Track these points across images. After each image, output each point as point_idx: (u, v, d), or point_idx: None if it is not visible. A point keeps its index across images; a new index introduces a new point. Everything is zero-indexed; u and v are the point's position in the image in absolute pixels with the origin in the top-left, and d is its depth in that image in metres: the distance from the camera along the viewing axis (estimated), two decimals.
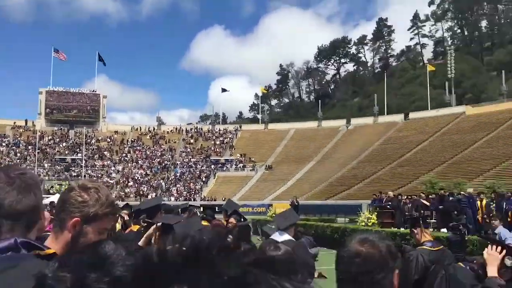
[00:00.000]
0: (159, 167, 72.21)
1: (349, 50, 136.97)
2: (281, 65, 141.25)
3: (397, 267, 1.63)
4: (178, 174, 70.39)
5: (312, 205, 42.42)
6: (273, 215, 29.37)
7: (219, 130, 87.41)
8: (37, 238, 1.65)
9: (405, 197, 25.52)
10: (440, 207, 20.42)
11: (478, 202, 19.69)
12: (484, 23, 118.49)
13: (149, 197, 56.64)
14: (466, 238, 14.74)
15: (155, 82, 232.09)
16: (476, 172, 49.36)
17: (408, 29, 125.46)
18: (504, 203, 17.56)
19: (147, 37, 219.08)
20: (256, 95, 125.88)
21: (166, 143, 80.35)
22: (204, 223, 6.70)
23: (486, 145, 57.03)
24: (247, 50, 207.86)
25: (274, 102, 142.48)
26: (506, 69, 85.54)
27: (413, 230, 4.91)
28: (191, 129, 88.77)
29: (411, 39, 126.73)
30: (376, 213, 21.82)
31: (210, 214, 6.93)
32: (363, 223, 21.54)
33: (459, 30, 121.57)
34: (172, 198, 60.03)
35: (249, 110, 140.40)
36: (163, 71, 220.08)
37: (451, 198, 21.04)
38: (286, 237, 4.70)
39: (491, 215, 14.41)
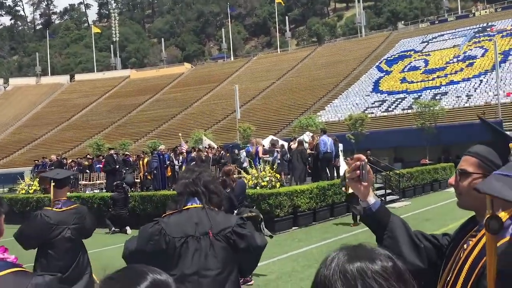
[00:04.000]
0: None
1: (4, 1, 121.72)
2: None
3: (4, 212, 1.66)
4: None
5: None
6: None
7: None
8: None
9: (70, 160, 24.70)
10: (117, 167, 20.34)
11: (140, 162, 20.61)
12: None
13: None
14: (129, 195, 15.23)
15: None
16: (141, 133, 52.30)
17: None
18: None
19: None
20: None
21: None
22: None
23: (149, 108, 60.96)
24: None
25: None
26: (165, 37, 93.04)
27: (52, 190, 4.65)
28: None
29: None
30: (38, 179, 20.19)
31: None
32: (24, 191, 19.73)
33: None
34: None
35: None
36: None
37: (116, 158, 21.33)
38: None
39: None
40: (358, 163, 1.75)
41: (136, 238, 2.67)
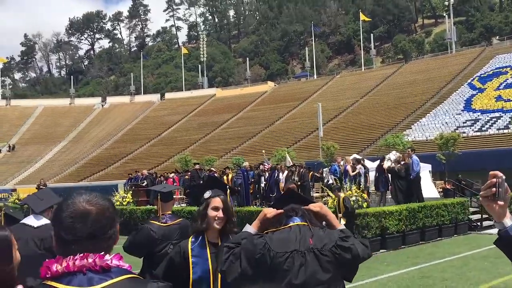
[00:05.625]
0: None
1: (104, 25, 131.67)
2: (26, 35, 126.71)
3: (118, 221, 1.72)
4: None
5: (62, 187, 39.28)
6: (16, 201, 26.05)
7: None
8: None
9: (160, 175, 25.81)
10: (201, 182, 20.97)
11: (225, 177, 21.02)
12: (232, 13, 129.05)
13: None
14: None
15: None
16: (225, 150, 53.58)
17: (164, 11, 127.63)
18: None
19: None
20: None
21: None
22: None
23: (233, 125, 62.39)
24: None
25: (18, 76, 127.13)
26: (250, 56, 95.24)
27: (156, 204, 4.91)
28: None
29: (167, 20, 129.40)
30: (131, 192, 21.33)
31: None
32: (119, 202, 20.88)
33: (210, 17, 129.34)
34: None
35: None
36: None
37: (207, 174, 21.99)
38: (44, 221, 4.01)
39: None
40: (494, 180, 1.63)
41: (239, 251, 2.69)
